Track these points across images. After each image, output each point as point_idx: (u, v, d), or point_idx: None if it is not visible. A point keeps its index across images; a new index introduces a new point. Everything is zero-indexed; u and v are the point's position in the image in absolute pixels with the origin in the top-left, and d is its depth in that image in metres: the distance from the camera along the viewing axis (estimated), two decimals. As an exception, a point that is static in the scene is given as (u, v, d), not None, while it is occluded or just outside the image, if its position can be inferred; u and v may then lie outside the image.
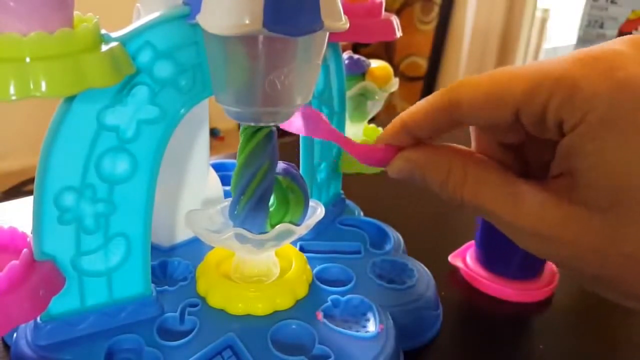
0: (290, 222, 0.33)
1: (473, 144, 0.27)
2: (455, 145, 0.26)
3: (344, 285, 0.37)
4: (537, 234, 0.21)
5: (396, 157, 0.26)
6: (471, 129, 0.27)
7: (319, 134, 0.32)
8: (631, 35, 0.22)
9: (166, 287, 0.36)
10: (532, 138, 0.24)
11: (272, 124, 0.31)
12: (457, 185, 0.24)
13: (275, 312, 0.34)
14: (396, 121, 0.26)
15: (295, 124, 0.32)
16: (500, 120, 0.22)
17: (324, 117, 0.31)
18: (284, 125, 0.32)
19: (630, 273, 0.20)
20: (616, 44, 0.21)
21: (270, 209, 0.34)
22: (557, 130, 0.21)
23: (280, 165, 0.34)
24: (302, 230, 0.34)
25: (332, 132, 0.30)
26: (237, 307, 0.34)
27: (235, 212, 0.33)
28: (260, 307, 0.34)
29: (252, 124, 0.31)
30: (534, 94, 0.21)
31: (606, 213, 0.20)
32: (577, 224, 0.20)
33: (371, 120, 0.56)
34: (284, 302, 0.34)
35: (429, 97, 0.25)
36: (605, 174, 0.19)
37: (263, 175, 0.32)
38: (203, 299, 0.35)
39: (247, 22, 0.26)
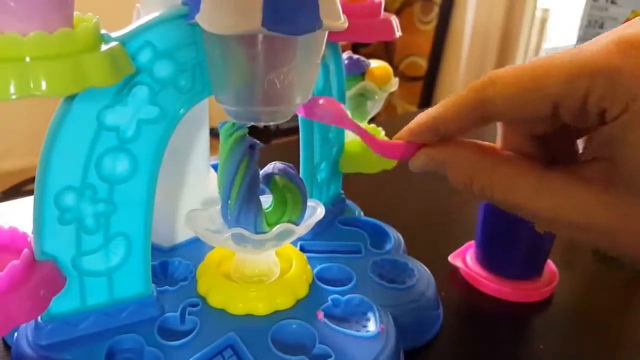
0: (289, 222, 0.33)
1: (499, 137, 0.27)
2: (481, 142, 0.25)
3: (344, 285, 0.37)
4: (579, 226, 0.21)
5: (419, 154, 0.26)
6: (498, 123, 0.27)
7: (343, 125, 0.31)
8: None
9: (167, 287, 0.36)
10: (562, 127, 0.23)
11: (272, 123, 0.31)
12: (485, 186, 0.23)
13: (276, 312, 0.34)
14: (422, 118, 0.25)
15: (318, 113, 0.31)
16: (536, 114, 0.22)
17: (347, 112, 0.31)
18: (308, 114, 0.31)
19: None
20: None
21: (269, 209, 0.34)
22: (598, 119, 0.21)
23: (277, 165, 0.34)
24: (303, 230, 0.34)
25: (356, 126, 0.30)
26: (238, 307, 0.34)
27: (229, 217, 0.33)
28: (261, 307, 0.34)
29: (252, 123, 0.31)
30: (573, 86, 0.20)
31: None
32: (621, 208, 0.20)
33: (371, 120, 0.56)
34: (285, 301, 0.34)
35: (458, 96, 0.24)
36: None
37: (243, 174, 0.32)
38: (203, 299, 0.35)
39: (246, 21, 0.26)
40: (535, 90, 0.21)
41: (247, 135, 0.32)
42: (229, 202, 0.33)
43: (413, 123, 0.26)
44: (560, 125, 0.24)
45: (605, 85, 0.20)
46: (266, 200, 0.35)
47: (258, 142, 0.33)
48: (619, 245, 0.21)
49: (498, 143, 0.26)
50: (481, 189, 0.24)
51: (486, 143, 0.25)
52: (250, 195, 0.33)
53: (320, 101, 0.31)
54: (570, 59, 0.21)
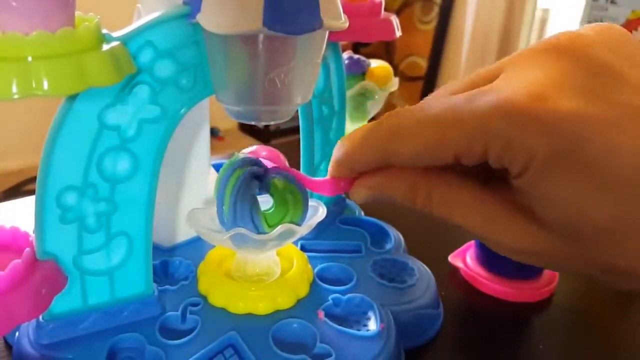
0: (291, 222, 0.34)
1: None
2: None
3: (344, 284, 0.37)
4: (510, 248, 0.22)
5: (355, 185, 0.26)
6: None
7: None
8: (552, 40, 0.21)
9: (167, 286, 0.36)
10: None
11: (272, 122, 0.31)
12: (425, 204, 0.24)
13: (276, 312, 0.34)
14: (336, 155, 0.26)
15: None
16: (440, 164, 0.22)
17: (282, 157, 0.33)
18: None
19: (600, 274, 0.21)
20: (536, 68, 0.21)
21: (270, 211, 0.34)
22: (504, 170, 0.21)
23: (275, 168, 0.34)
24: (304, 230, 0.34)
25: (292, 171, 0.32)
26: (238, 306, 0.34)
27: (226, 221, 0.33)
28: (262, 306, 0.34)
29: (252, 122, 0.31)
30: (471, 146, 0.20)
31: (567, 239, 0.20)
32: (544, 242, 0.21)
33: (371, 120, 0.56)
34: (286, 301, 0.34)
35: (364, 140, 0.24)
36: (557, 213, 0.20)
37: (236, 177, 0.32)
38: (204, 298, 0.35)
39: (247, 21, 0.26)
40: (436, 148, 0.22)
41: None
42: (224, 207, 0.33)
43: (332, 160, 0.26)
44: None
45: (502, 147, 0.20)
46: (265, 201, 0.35)
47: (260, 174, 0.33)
48: (543, 263, 0.22)
49: None
50: (422, 206, 0.24)
51: None
52: (243, 197, 0.33)
53: (263, 153, 0.33)
54: (469, 114, 0.20)
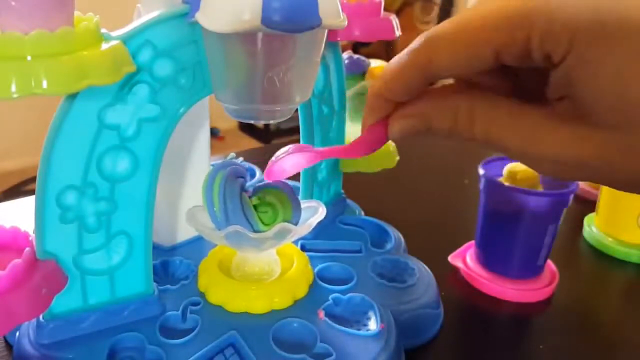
0: (285, 220, 0.34)
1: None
2: (453, 83, 0.25)
3: (345, 284, 0.37)
4: (553, 159, 0.22)
5: (393, 118, 0.25)
6: None
7: (312, 160, 0.29)
8: None
9: (168, 285, 0.36)
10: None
11: (271, 121, 0.31)
12: (466, 127, 0.23)
13: (277, 311, 0.34)
14: (370, 94, 0.25)
15: (285, 169, 0.29)
16: (480, 68, 0.22)
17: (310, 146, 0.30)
18: (275, 177, 0.29)
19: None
20: None
21: (264, 213, 0.34)
22: (547, 62, 0.21)
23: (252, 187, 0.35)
24: (304, 230, 0.34)
25: (323, 152, 0.28)
26: (235, 305, 0.34)
27: (218, 219, 0.33)
28: (258, 306, 0.34)
29: (252, 121, 0.31)
30: (512, 37, 0.20)
31: (612, 130, 0.20)
32: (589, 143, 0.21)
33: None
34: (283, 301, 0.34)
35: (400, 60, 0.24)
36: (604, 95, 0.20)
37: (220, 177, 0.33)
38: (203, 295, 0.35)
39: (246, 19, 0.26)
40: (476, 47, 0.21)
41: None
42: (214, 208, 0.33)
43: (368, 99, 0.26)
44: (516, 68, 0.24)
45: (544, 30, 0.20)
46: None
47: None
48: (585, 173, 0.22)
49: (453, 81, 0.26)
50: (463, 130, 0.24)
51: (451, 84, 0.25)
52: (231, 194, 0.33)
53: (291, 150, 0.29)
54: (502, 8, 0.21)
